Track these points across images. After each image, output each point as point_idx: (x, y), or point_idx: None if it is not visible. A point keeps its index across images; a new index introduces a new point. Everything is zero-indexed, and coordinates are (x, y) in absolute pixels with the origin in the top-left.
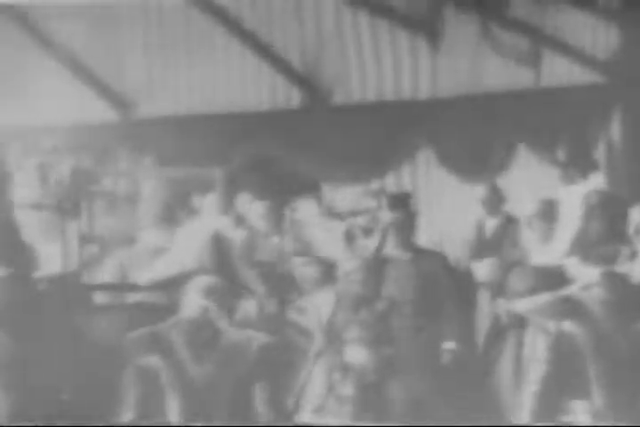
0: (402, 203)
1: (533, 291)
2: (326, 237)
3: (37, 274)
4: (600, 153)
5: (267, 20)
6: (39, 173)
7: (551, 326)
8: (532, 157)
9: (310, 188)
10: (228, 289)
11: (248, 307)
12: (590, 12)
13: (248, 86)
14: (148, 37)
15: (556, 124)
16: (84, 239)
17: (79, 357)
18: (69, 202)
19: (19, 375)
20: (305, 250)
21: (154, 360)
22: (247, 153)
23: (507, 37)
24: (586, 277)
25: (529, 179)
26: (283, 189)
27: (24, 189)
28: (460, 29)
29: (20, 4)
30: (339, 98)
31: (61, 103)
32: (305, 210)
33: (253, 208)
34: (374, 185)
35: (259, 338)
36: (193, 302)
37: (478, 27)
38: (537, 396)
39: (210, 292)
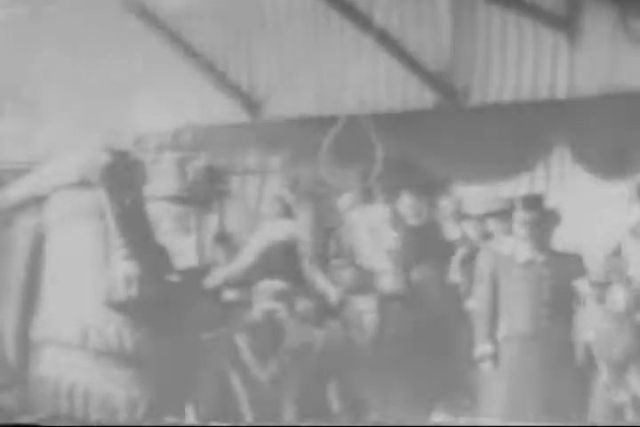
0: (536, 204)
1: None
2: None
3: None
4: None
5: (399, 19)
6: (177, 167)
7: None
8: None
9: (442, 188)
10: (296, 292)
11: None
12: None
13: (379, 87)
14: (278, 38)
15: None
16: (218, 236)
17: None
18: (204, 197)
19: (155, 371)
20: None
21: (225, 363)
22: (381, 154)
23: None
24: None
25: None
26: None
27: (160, 183)
28: (599, 25)
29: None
30: (475, 98)
31: (195, 102)
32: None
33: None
34: (507, 186)
35: (323, 336)
36: (261, 305)
37: (617, 22)
38: None
39: (278, 295)
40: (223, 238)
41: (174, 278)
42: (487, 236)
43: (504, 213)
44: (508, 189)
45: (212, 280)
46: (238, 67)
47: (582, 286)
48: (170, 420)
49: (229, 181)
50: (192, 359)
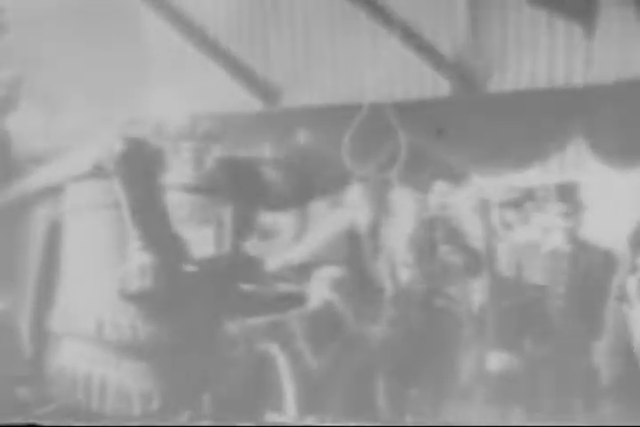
0: (570, 193)
1: None
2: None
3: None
4: None
5: (415, 7)
6: (195, 156)
7: None
8: None
9: (457, 177)
10: (356, 282)
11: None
12: None
13: (396, 75)
14: (294, 26)
15: None
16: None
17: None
18: (222, 187)
19: (166, 362)
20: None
21: (273, 348)
22: (396, 144)
23: None
24: None
25: None
26: (431, 178)
27: (178, 172)
28: (616, 14)
29: None
30: (491, 86)
31: (212, 91)
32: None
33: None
34: (522, 175)
35: (381, 332)
36: (319, 293)
37: (634, 10)
38: None
39: (337, 284)
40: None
41: (191, 269)
42: (508, 226)
43: (520, 203)
44: (522, 179)
45: (270, 267)
46: (254, 55)
47: (630, 284)
48: (185, 413)
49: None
50: (210, 350)
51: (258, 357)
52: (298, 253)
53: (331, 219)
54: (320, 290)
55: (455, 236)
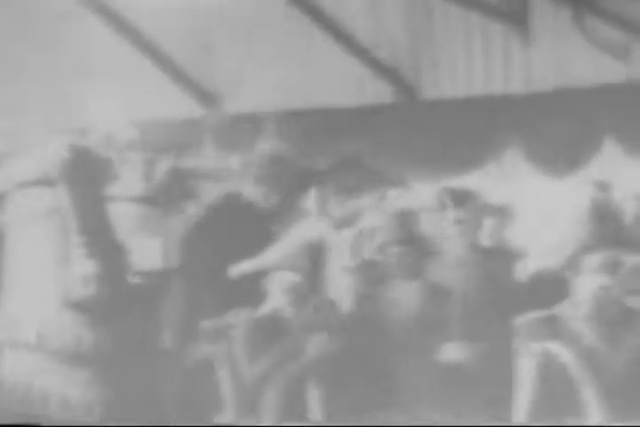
0: (467, 200)
1: None
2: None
3: (135, 268)
4: None
5: (354, 15)
6: (144, 167)
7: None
8: (620, 152)
9: (394, 183)
10: (309, 289)
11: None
12: None
13: (336, 82)
14: (235, 33)
15: None
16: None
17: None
18: (171, 199)
19: (109, 370)
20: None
21: (212, 351)
22: (336, 151)
23: (598, 29)
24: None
25: (618, 174)
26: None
27: (127, 183)
28: (552, 21)
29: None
30: (428, 93)
31: (156, 99)
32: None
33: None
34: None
35: (320, 339)
36: (273, 297)
37: (569, 18)
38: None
39: (290, 289)
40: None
41: (136, 280)
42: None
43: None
44: (460, 185)
45: (234, 271)
46: (197, 62)
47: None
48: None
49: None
50: (154, 360)
51: (200, 360)
52: (263, 259)
53: (297, 228)
54: (274, 293)
55: (390, 242)
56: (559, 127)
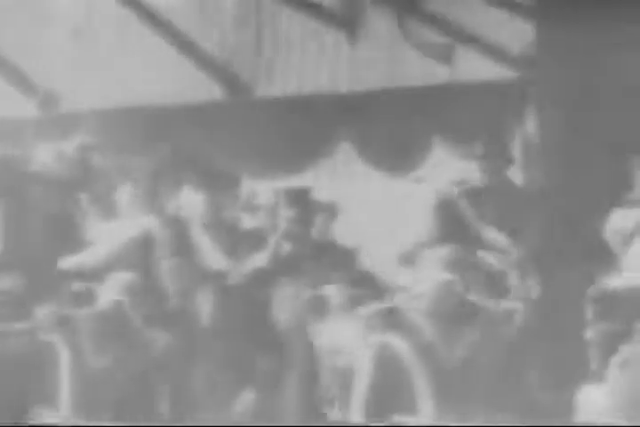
0: (300, 199)
1: None
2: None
3: None
4: (516, 148)
5: (186, 13)
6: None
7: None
8: (450, 152)
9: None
10: (146, 287)
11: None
12: (505, 7)
13: (168, 79)
14: (66, 31)
15: (472, 119)
16: None
17: None
18: None
19: None
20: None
21: (56, 339)
22: (168, 147)
23: (422, 31)
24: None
25: (448, 174)
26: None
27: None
28: (377, 23)
29: None
30: (260, 91)
31: None
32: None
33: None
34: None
35: (163, 338)
36: (109, 296)
37: (394, 20)
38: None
39: (126, 289)
40: None
41: None
42: None
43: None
44: (294, 183)
45: (63, 265)
46: (29, 61)
47: None
48: None
49: None
50: None
51: (40, 348)
52: (93, 254)
53: (119, 224)
54: (110, 293)
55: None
56: (389, 126)
